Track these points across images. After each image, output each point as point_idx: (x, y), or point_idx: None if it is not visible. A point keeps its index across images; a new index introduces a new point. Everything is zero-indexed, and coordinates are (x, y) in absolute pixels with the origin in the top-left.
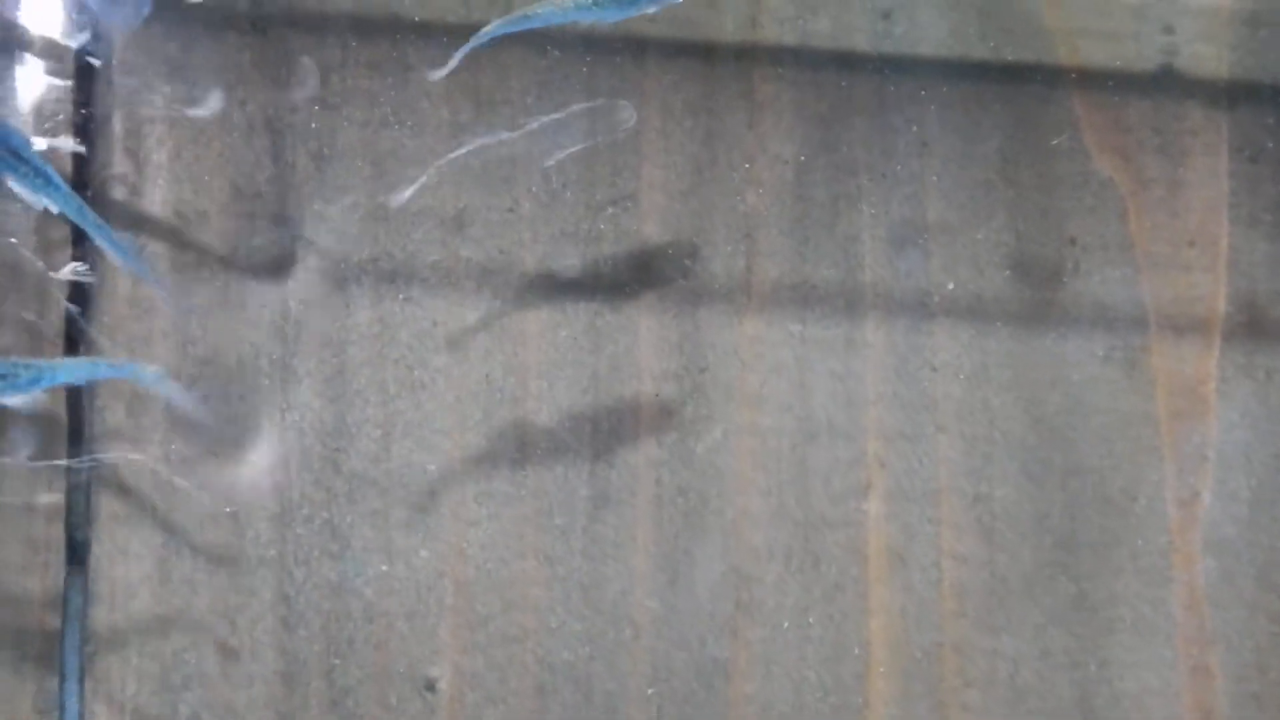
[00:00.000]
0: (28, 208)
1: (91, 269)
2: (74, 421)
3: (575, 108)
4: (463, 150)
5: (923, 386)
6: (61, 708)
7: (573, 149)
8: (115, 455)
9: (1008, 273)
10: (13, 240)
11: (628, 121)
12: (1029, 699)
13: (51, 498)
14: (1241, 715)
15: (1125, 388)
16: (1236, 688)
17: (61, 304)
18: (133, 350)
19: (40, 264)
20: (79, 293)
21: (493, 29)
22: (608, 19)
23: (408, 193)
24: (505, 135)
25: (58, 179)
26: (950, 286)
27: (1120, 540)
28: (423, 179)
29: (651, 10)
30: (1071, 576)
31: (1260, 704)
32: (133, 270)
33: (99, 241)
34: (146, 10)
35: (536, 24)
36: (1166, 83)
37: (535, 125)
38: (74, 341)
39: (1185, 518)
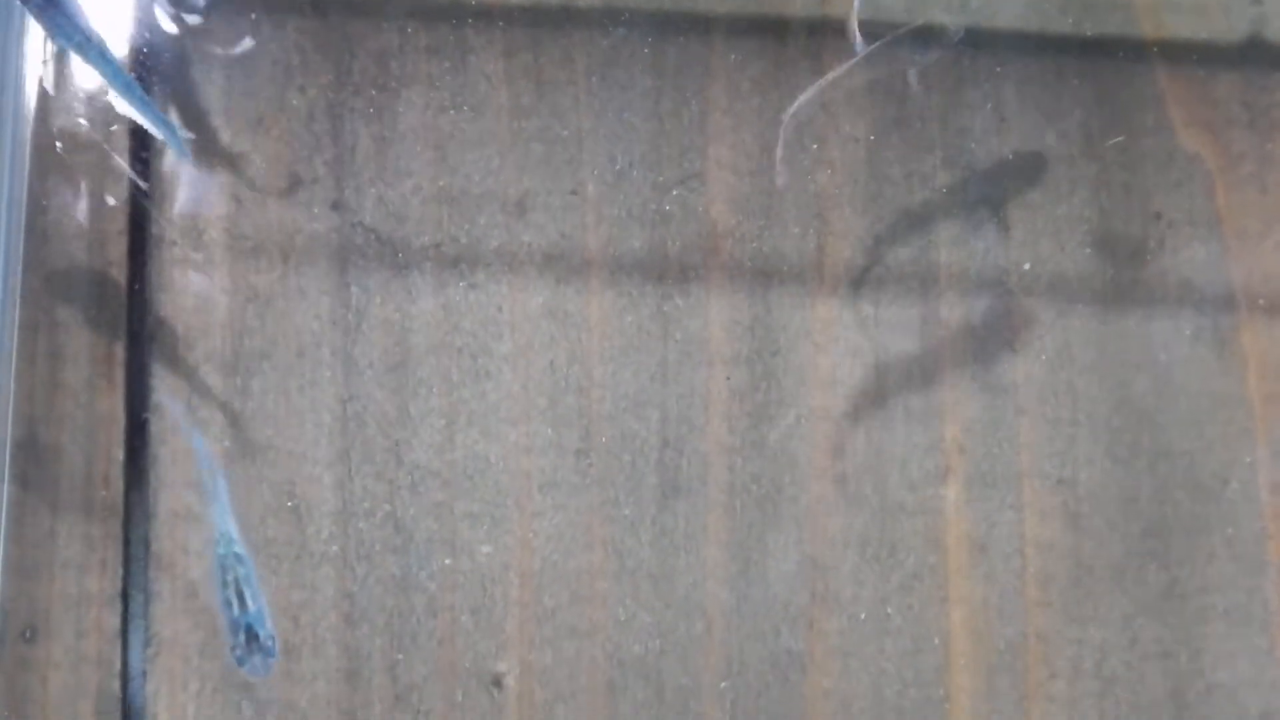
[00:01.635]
0: None
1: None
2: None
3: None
4: None
5: (1002, 369)
6: (125, 707)
7: None
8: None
9: (1090, 250)
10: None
11: None
12: (1117, 690)
13: (109, 495)
14: None
15: (1215, 368)
16: None
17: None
18: (190, 344)
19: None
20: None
21: None
22: None
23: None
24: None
25: (110, 52)
26: (1028, 265)
27: (1212, 526)
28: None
29: None
30: (1161, 564)
31: None
32: (175, 149)
33: (144, 117)
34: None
35: None
36: (1255, 55)
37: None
38: None
39: None
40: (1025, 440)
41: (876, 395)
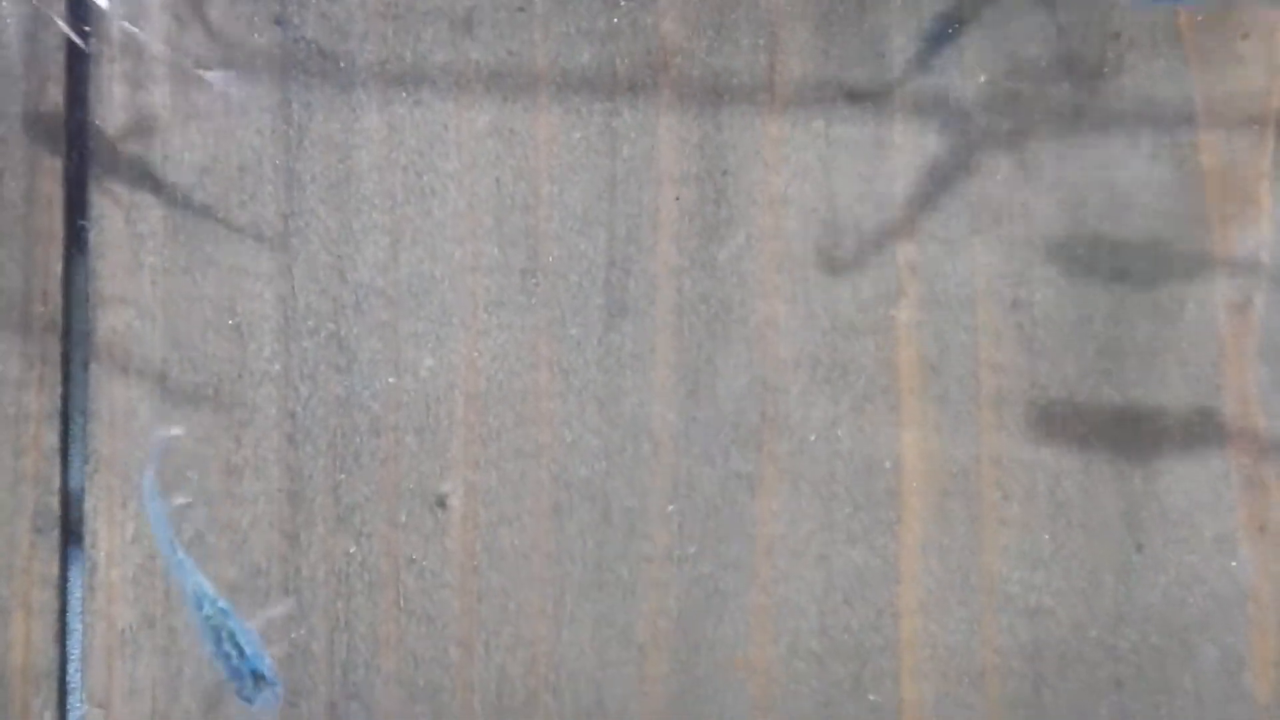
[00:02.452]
0: None
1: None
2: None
3: None
4: None
5: (957, 189)
6: (63, 524)
7: None
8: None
9: (1047, 69)
10: None
11: None
12: (1071, 513)
13: (47, 312)
14: None
15: (1173, 188)
16: None
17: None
18: (133, 168)
19: None
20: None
21: None
22: None
23: None
24: None
25: None
26: (984, 82)
27: (1168, 348)
28: None
29: None
30: (1116, 386)
31: None
32: None
33: None
34: None
35: None
36: None
37: None
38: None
39: (1237, 324)
40: (980, 261)
41: (828, 215)
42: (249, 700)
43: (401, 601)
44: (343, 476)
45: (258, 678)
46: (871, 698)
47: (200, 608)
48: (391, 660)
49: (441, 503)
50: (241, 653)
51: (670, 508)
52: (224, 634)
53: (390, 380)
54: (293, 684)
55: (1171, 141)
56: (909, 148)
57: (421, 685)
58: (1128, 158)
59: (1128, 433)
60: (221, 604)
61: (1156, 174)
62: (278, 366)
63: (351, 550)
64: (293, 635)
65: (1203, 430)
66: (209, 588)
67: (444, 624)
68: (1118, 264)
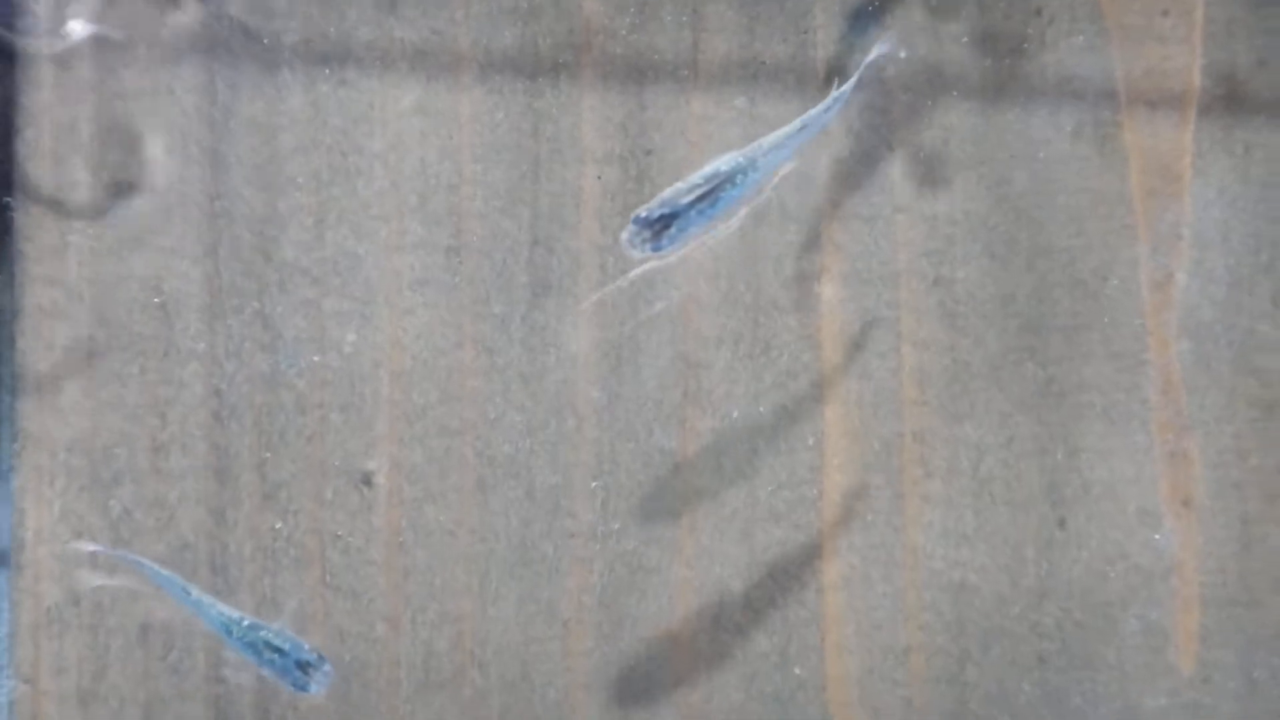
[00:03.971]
0: None
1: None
2: None
3: None
4: None
5: (879, 165)
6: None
7: None
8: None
9: (969, 45)
10: None
11: None
12: (994, 488)
13: None
14: (1222, 504)
15: (1096, 164)
16: (1215, 474)
17: None
18: (58, 139)
19: None
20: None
21: None
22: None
23: None
24: None
25: None
26: (903, 55)
27: (1091, 324)
28: None
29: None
30: (1039, 362)
31: (1241, 491)
32: None
33: None
34: None
35: None
36: None
37: None
38: None
39: (1160, 299)
40: (903, 238)
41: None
42: (304, 689)
43: (328, 578)
44: (268, 454)
45: (304, 665)
46: (797, 671)
47: (230, 634)
48: (318, 636)
49: (367, 480)
50: (283, 653)
51: (594, 484)
52: (260, 646)
53: (315, 358)
54: (219, 659)
55: (1094, 119)
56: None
57: (348, 661)
58: (1050, 135)
59: (1051, 408)
60: (247, 622)
61: (1079, 151)
62: (203, 345)
63: (278, 526)
64: None
65: (1126, 405)
66: (228, 612)
67: (370, 600)
68: (1040, 241)
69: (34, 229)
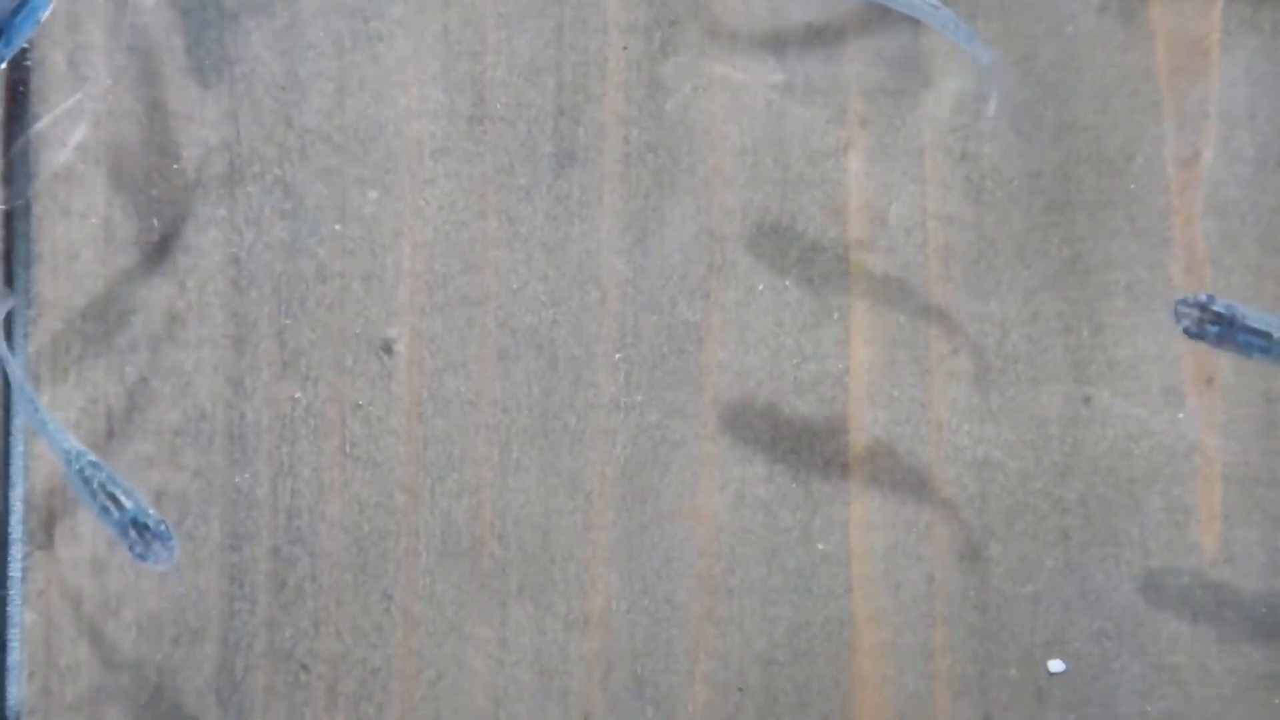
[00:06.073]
0: None
1: None
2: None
3: None
4: None
5: (906, 40)
6: (2, 368)
7: None
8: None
9: None
10: None
11: None
12: (1018, 365)
13: None
14: (1245, 382)
15: (1122, 41)
16: None
17: None
18: (73, 3)
19: None
20: None
21: None
22: None
23: None
24: None
25: None
26: None
27: (1116, 201)
28: None
29: None
30: (1065, 238)
31: (1266, 371)
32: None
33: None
34: None
35: None
36: None
37: None
38: None
39: (1186, 178)
40: (928, 113)
41: (778, 65)
42: (143, 557)
43: (347, 447)
44: (288, 322)
45: (142, 528)
46: (820, 547)
47: (71, 464)
48: (336, 506)
49: (388, 348)
50: (120, 505)
51: (617, 356)
52: (97, 486)
53: (336, 227)
54: (235, 528)
55: None
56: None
57: (366, 531)
58: (1077, 10)
59: (1075, 285)
60: (91, 457)
61: (1105, 26)
62: (222, 211)
63: (297, 396)
64: (236, 480)
65: (1150, 283)
66: (75, 443)
67: (389, 470)
68: (1066, 117)
69: (50, 92)
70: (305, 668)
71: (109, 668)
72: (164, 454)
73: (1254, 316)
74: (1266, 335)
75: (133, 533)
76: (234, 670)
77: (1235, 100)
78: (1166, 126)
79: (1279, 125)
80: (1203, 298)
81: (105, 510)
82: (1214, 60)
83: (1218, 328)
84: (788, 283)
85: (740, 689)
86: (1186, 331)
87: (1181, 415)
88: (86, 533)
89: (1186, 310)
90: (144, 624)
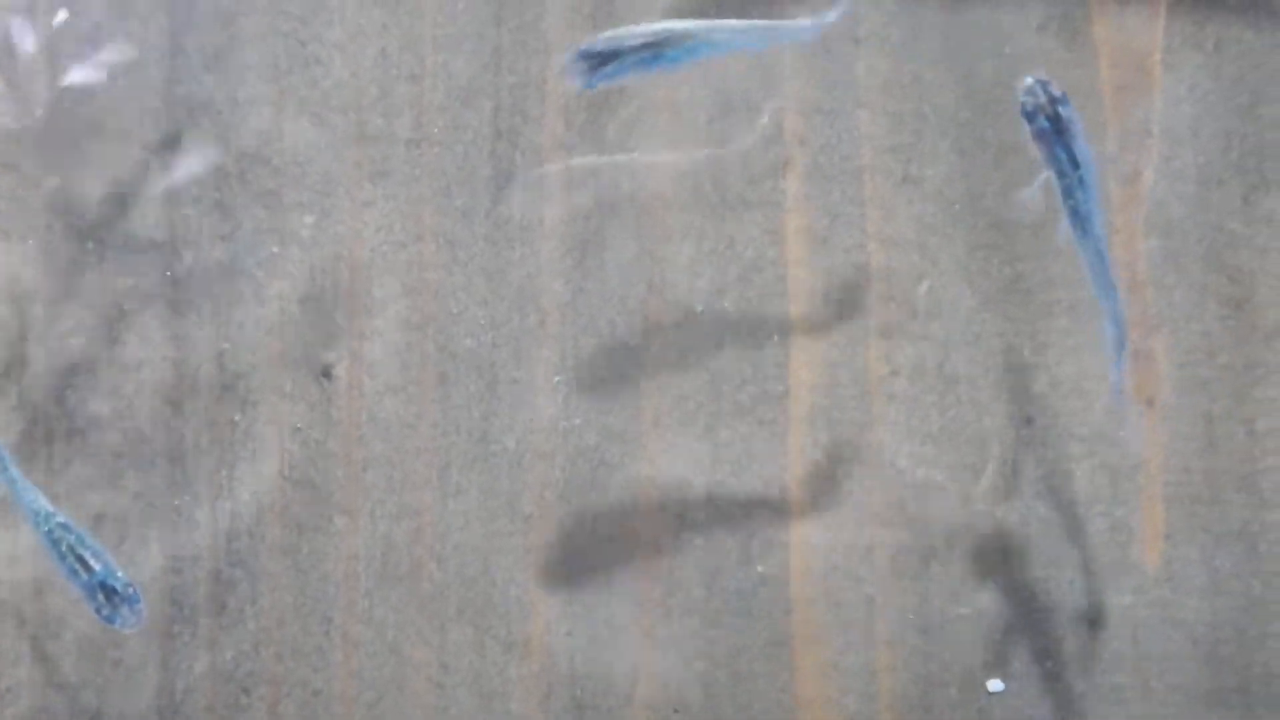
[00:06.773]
0: None
1: None
2: None
3: None
4: None
5: (845, 60)
6: None
7: None
8: None
9: None
10: None
11: None
12: (960, 386)
13: None
14: (1189, 401)
15: (1065, 60)
16: (1182, 373)
17: None
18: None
19: None
20: None
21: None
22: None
23: None
24: None
25: None
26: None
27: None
28: None
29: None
30: (1006, 259)
31: (1209, 390)
32: None
33: None
34: None
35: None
36: None
37: None
38: None
39: (1128, 196)
40: (867, 133)
41: (717, 87)
42: (110, 620)
43: (286, 470)
44: (226, 345)
45: (110, 592)
46: (760, 569)
47: (40, 525)
48: (276, 529)
49: (326, 373)
50: (89, 568)
51: (556, 378)
52: (66, 548)
53: (274, 250)
54: (175, 550)
55: (1062, 13)
56: (797, 17)
57: (305, 553)
58: (1016, 29)
59: (1017, 306)
60: (60, 519)
61: (1045, 45)
62: (162, 234)
63: (236, 419)
64: (176, 502)
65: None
66: (46, 504)
67: (329, 493)
68: (1007, 137)
69: None
70: (246, 690)
71: (49, 689)
72: (104, 477)
73: (631, 37)
74: (651, 48)
75: (100, 596)
76: (174, 692)
77: (1178, 118)
78: (1109, 145)
79: (1222, 143)
80: (584, 46)
81: (74, 572)
82: (1157, 78)
83: (607, 66)
84: (727, 304)
85: (680, 711)
86: (586, 87)
87: (1123, 435)
88: (25, 554)
89: (576, 64)
90: (84, 646)
